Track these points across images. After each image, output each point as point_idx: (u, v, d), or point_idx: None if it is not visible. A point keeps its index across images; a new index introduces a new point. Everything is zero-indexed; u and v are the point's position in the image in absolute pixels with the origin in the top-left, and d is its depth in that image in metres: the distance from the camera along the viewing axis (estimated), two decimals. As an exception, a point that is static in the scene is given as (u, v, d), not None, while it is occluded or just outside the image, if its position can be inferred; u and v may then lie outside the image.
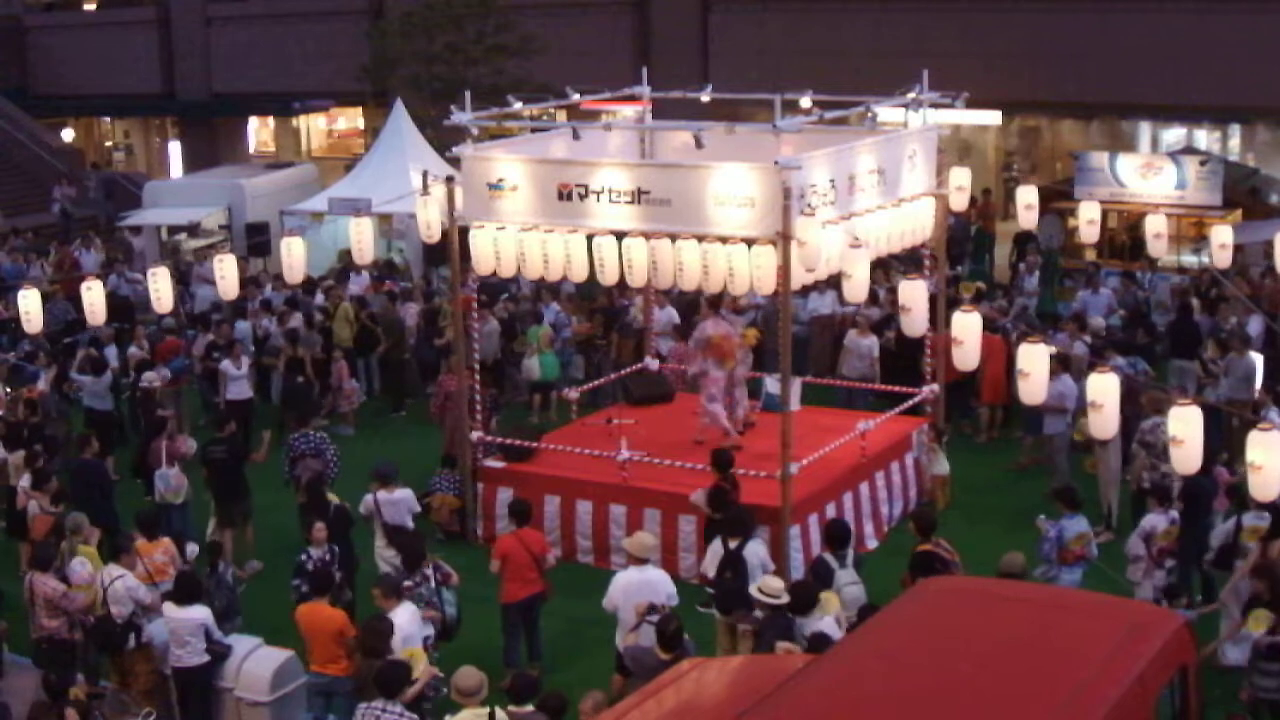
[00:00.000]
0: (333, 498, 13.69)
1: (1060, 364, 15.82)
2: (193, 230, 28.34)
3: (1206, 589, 13.27)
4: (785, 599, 10.79)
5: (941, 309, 15.67)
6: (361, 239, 16.23)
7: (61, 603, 11.83)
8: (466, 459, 15.42)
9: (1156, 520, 12.43)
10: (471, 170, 14.69)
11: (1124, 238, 24.45)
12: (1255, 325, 17.78)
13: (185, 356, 19.65)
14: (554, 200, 14.14)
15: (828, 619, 10.73)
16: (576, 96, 15.90)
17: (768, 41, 30.30)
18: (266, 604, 13.39)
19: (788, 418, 13.77)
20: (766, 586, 10.96)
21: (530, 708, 9.40)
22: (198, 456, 15.71)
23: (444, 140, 22.70)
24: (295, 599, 11.89)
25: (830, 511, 14.36)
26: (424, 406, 20.06)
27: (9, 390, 17.96)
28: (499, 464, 15.45)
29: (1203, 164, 24.06)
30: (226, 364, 18.49)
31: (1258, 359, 16.81)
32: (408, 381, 20.74)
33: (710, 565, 12.18)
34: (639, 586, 11.29)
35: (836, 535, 12.06)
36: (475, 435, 15.50)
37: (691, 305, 19.94)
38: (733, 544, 11.92)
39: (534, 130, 16.15)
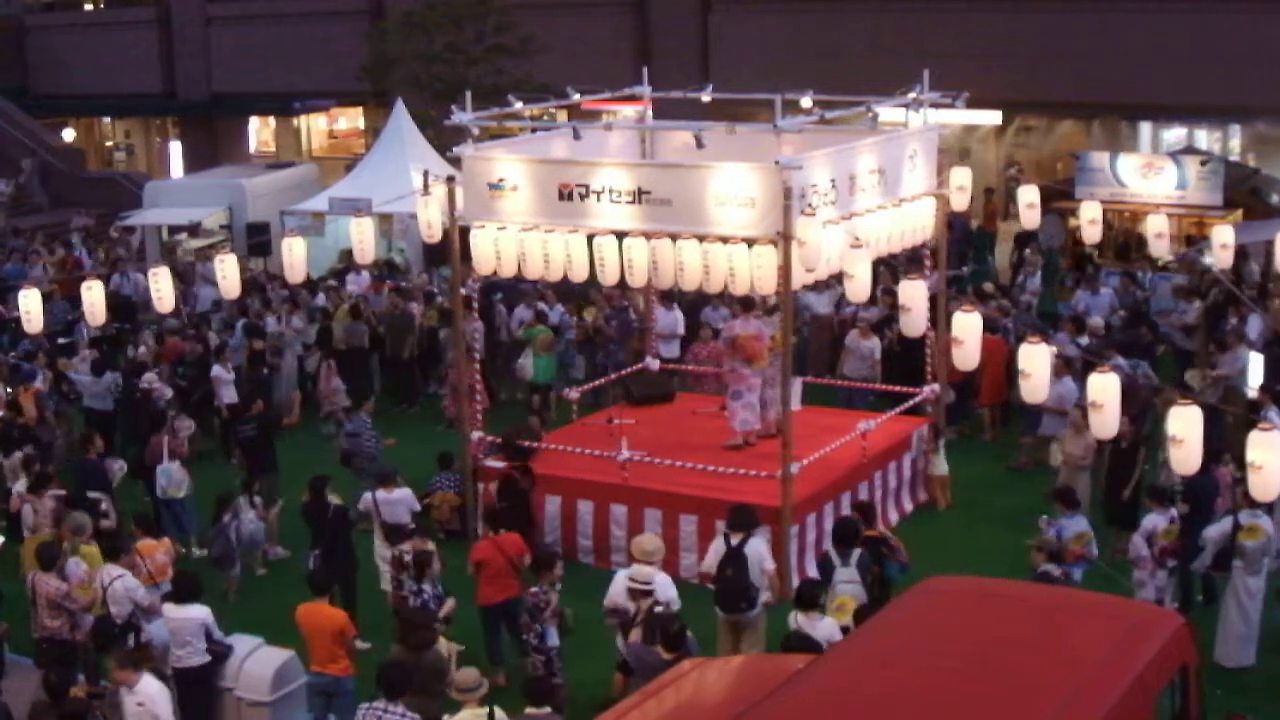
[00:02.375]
0: (334, 499, 13.70)
1: (1065, 365, 15.85)
2: (193, 230, 28.34)
3: (1207, 589, 13.29)
4: (655, 586, 11.03)
5: (942, 309, 15.67)
6: (362, 239, 16.23)
7: (64, 602, 11.83)
8: (468, 457, 15.44)
9: (1157, 520, 12.44)
10: (472, 170, 14.70)
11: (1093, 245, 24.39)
12: (1254, 325, 17.78)
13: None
14: (554, 200, 14.15)
15: (827, 620, 10.75)
16: (576, 96, 15.90)
17: (768, 41, 30.28)
18: (266, 604, 13.42)
19: (788, 418, 13.78)
20: (637, 574, 11.13)
21: (548, 709, 9.41)
22: (231, 439, 16.57)
23: (444, 140, 22.69)
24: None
25: (830, 511, 14.37)
26: (429, 405, 20.14)
27: (9, 390, 17.97)
28: (499, 463, 15.45)
29: (1203, 164, 24.06)
30: (218, 369, 18.45)
31: (1257, 358, 16.85)
32: (415, 380, 20.82)
33: (711, 563, 12.19)
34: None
35: (843, 533, 12.12)
36: (475, 435, 15.52)
37: (693, 306, 19.99)
38: (734, 540, 11.94)
39: (534, 130, 16.15)
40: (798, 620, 10.82)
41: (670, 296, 18.94)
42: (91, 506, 13.73)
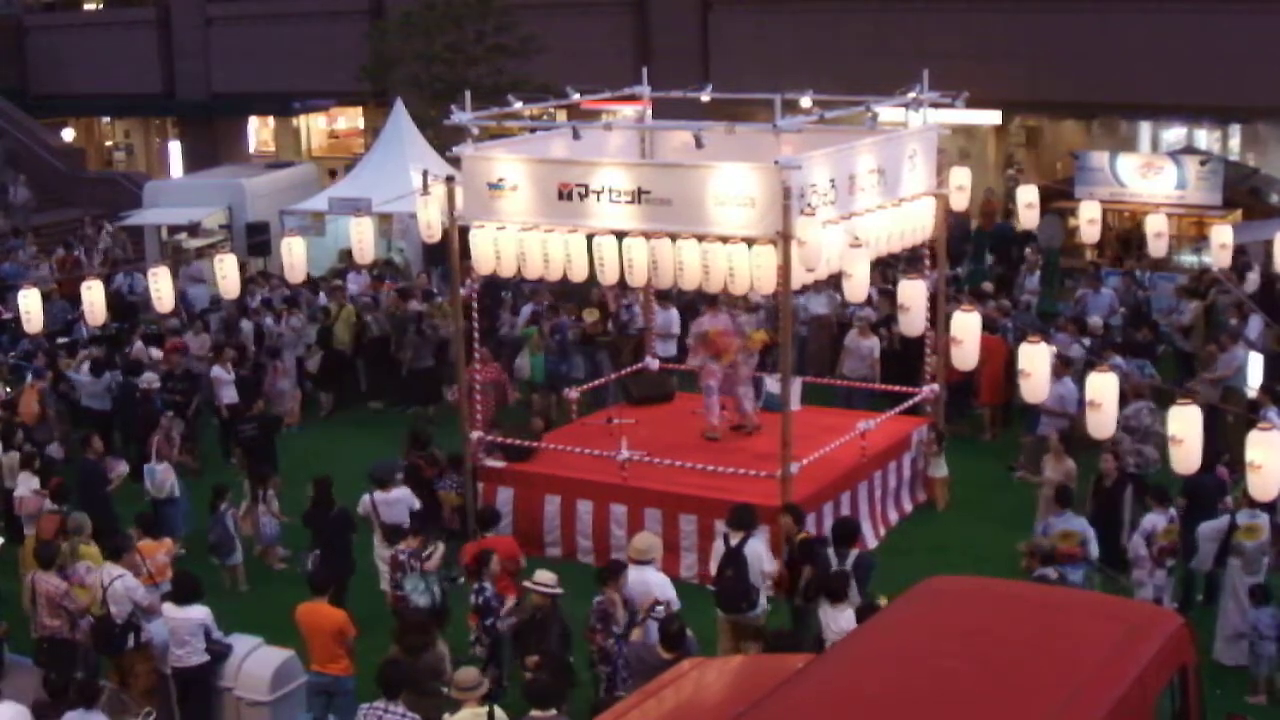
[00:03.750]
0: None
1: (1065, 365, 15.81)
2: (193, 230, 28.33)
3: (1209, 588, 13.28)
4: (559, 590, 11.09)
5: (941, 309, 15.67)
6: (362, 239, 16.23)
7: (63, 601, 11.83)
8: (468, 457, 15.44)
9: (1156, 520, 12.44)
10: (471, 170, 14.70)
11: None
12: (1254, 326, 17.78)
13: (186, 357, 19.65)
14: (554, 200, 14.15)
15: (848, 613, 10.77)
16: (576, 96, 15.90)
17: (768, 41, 30.28)
18: (266, 604, 13.42)
19: (788, 417, 13.78)
20: (539, 578, 11.18)
21: (553, 712, 9.40)
22: (231, 439, 16.76)
23: (444, 140, 22.68)
24: (487, 646, 11.47)
25: (830, 511, 14.37)
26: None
27: (8, 390, 17.97)
28: (499, 463, 15.45)
29: (1203, 164, 24.08)
30: (217, 370, 18.43)
31: (1257, 358, 16.84)
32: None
33: (712, 564, 12.19)
34: (635, 586, 11.29)
35: (841, 534, 12.15)
36: (475, 435, 15.51)
37: (693, 305, 19.97)
38: (734, 541, 11.94)
39: (534, 130, 16.15)
40: (826, 613, 10.95)
41: (668, 296, 18.94)
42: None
